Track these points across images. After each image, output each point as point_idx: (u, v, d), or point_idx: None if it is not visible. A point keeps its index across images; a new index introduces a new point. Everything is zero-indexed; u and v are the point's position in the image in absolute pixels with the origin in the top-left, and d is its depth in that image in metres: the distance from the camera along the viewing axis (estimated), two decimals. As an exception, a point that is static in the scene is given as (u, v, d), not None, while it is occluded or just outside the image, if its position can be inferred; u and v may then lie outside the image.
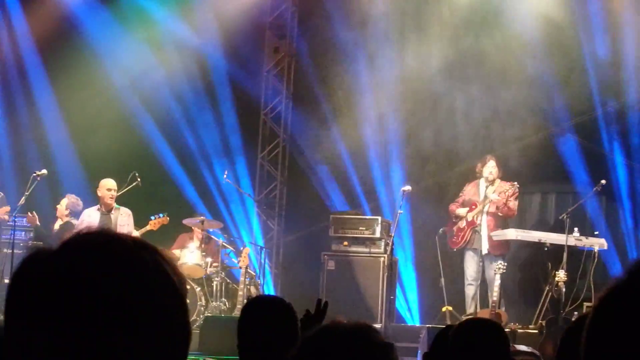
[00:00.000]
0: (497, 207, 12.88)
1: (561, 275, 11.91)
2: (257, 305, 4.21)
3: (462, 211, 13.11)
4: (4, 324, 1.51)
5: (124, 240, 1.55)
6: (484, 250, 12.85)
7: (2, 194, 13.46)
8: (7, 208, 13.04)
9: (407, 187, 12.71)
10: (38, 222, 13.62)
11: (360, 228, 13.63)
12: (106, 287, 1.46)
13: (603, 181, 12.58)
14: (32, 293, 1.48)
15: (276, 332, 3.92)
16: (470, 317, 12.15)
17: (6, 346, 1.50)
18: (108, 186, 12.76)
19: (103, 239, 1.54)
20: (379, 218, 13.70)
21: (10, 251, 12.27)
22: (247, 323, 4.00)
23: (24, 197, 12.82)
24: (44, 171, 12.74)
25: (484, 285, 12.99)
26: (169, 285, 1.54)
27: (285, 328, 3.95)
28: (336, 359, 2.34)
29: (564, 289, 11.82)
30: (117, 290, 1.46)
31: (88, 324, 1.44)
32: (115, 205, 12.80)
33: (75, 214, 13.18)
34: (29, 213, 13.57)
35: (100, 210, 12.80)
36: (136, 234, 12.49)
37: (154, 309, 1.49)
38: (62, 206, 13.13)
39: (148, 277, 1.51)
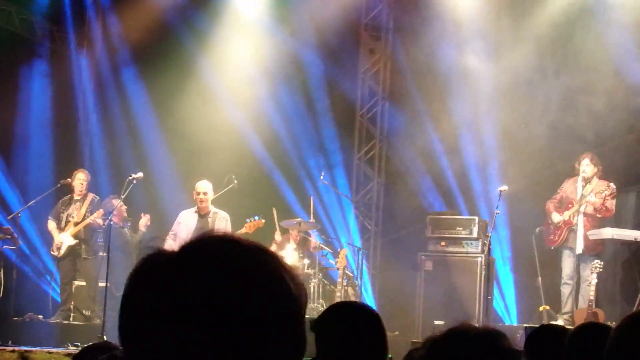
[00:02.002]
0: (595, 209, 12.73)
1: (657, 273, 11.78)
2: (337, 311, 4.02)
3: (556, 217, 12.97)
4: (120, 324, 1.54)
5: (246, 245, 1.56)
6: (579, 250, 12.72)
7: (97, 198, 13.70)
8: (102, 212, 13.24)
9: (504, 187, 12.63)
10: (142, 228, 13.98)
11: (457, 228, 13.61)
12: (224, 293, 1.47)
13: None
14: (151, 296, 1.50)
15: (357, 341, 3.74)
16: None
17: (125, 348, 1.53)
18: (197, 190, 12.78)
19: (224, 244, 1.56)
20: (476, 218, 13.67)
21: (106, 254, 12.50)
22: (323, 328, 3.82)
23: (120, 200, 13.08)
24: (140, 174, 12.76)
25: (579, 284, 12.85)
26: (286, 292, 1.54)
27: (369, 339, 3.77)
28: None
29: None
30: (235, 296, 1.48)
31: (205, 330, 1.45)
32: (212, 209, 12.85)
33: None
34: (142, 215, 13.94)
35: (197, 213, 12.86)
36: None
37: (270, 315, 1.50)
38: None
39: (266, 283, 1.52)
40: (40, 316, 13.59)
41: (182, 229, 12.69)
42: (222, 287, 1.48)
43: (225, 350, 1.46)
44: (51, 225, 13.48)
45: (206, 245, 1.56)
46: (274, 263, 1.55)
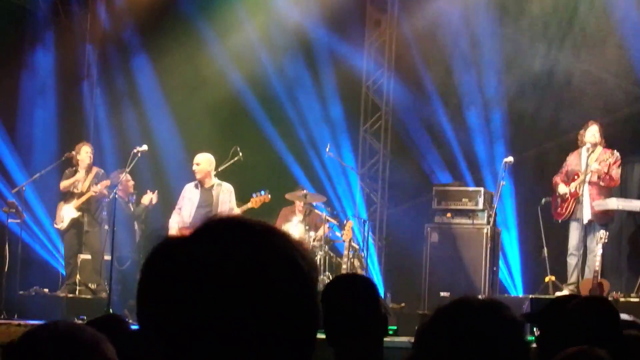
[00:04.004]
0: (599, 177, 12.70)
1: (663, 243, 11.80)
2: (337, 284, 4.15)
3: (562, 188, 12.95)
4: (137, 310, 1.56)
5: (255, 226, 1.57)
6: (586, 220, 12.70)
7: (102, 171, 13.69)
8: (107, 182, 13.20)
9: (510, 159, 12.61)
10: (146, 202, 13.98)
11: (463, 200, 13.62)
12: (237, 273, 1.48)
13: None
14: (165, 279, 1.52)
15: (356, 309, 3.83)
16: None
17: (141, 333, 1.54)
18: (194, 161, 12.75)
19: (234, 225, 1.57)
20: (482, 189, 13.66)
21: (110, 227, 12.51)
22: (328, 300, 3.92)
23: (124, 173, 13.07)
24: (145, 147, 12.77)
25: (586, 255, 12.85)
26: (297, 271, 1.54)
27: (366, 305, 3.85)
28: (468, 333, 2.35)
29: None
30: (248, 277, 1.49)
31: (217, 310, 1.47)
32: (216, 181, 12.80)
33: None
34: (149, 192, 13.94)
35: (197, 186, 12.78)
36: (237, 211, 12.63)
37: (284, 295, 1.51)
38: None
39: (277, 264, 1.53)
40: (46, 290, 13.64)
41: (186, 203, 12.69)
42: (234, 270, 1.49)
43: (242, 330, 1.48)
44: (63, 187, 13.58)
45: (216, 228, 1.57)
46: (283, 243, 1.56)
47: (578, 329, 4.44)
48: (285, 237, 1.58)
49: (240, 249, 1.52)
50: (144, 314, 1.55)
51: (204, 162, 12.72)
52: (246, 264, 1.50)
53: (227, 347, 1.48)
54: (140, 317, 1.56)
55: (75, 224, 13.36)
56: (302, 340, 1.55)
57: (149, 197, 13.97)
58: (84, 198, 13.33)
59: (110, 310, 11.30)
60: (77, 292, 13.33)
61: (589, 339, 3.95)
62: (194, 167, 12.68)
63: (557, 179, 13.09)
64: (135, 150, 12.61)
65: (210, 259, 1.50)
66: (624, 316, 10.81)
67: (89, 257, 13.54)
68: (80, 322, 11.11)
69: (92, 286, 13.38)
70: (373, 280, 4.11)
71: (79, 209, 13.35)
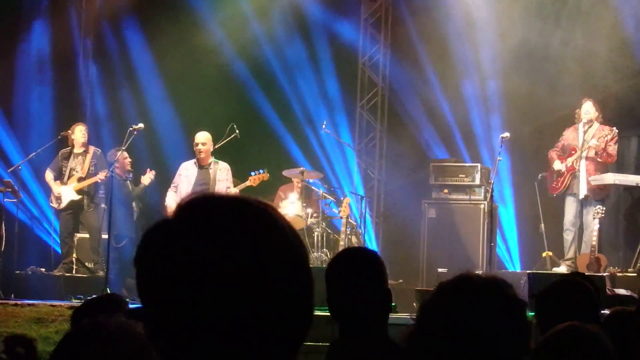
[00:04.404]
0: (597, 153, 12.71)
1: (659, 218, 11.85)
2: (342, 258, 4.04)
3: (557, 165, 12.96)
4: (137, 287, 1.55)
5: (252, 204, 1.56)
6: (582, 195, 12.72)
7: (99, 150, 13.61)
8: (106, 172, 13.07)
9: (506, 134, 12.58)
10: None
11: (460, 175, 13.63)
12: (235, 253, 1.48)
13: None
14: (160, 259, 1.51)
15: (361, 283, 3.76)
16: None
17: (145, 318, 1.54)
18: (196, 140, 12.72)
19: (226, 202, 1.56)
20: (479, 165, 13.67)
21: (107, 206, 12.52)
22: (333, 274, 3.86)
23: (121, 151, 13.05)
24: (141, 125, 12.70)
25: (582, 230, 12.87)
26: (291, 245, 1.55)
27: (371, 279, 3.79)
28: (470, 310, 2.36)
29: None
30: (246, 256, 1.48)
31: (216, 290, 1.46)
32: (213, 159, 12.80)
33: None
34: (147, 170, 13.91)
35: (197, 164, 12.81)
36: (235, 190, 12.63)
37: (279, 268, 1.51)
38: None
39: (271, 236, 1.53)
40: (43, 269, 13.62)
41: (183, 181, 12.70)
42: (229, 244, 1.49)
43: (239, 305, 1.47)
44: (49, 176, 13.40)
45: (209, 204, 1.56)
46: (274, 218, 1.56)
47: (557, 309, 4.47)
48: (277, 213, 1.57)
49: (236, 223, 1.51)
50: (142, 293, 1.55)
51: (209, 141, 12.77)
52: (242, 237, 1.49)
53: (224, 335, 1.48)
54: (141, 296, 1.55)
55: (73, 205, 13.32)
56: (300, 322, 1.55)
57: (149, 177, 13.94)
58: (85, 183, 13.25)
59: (108, 289, 11.31)
60: (73, 271, 13.31)
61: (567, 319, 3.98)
62: (200, 147, 12.67)
63: (553, 153, 13.10)
64: (131, 129, 12.57)
65: (203, 235, 1.50)
66: (621, 291, 10.91)
67: (86, 235, 13.51)
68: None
69: (89, 265, 13.36)
70: (379, 255, 4.02)
71: (79, 192, 13.30)
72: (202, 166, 12.76)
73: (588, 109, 12.77)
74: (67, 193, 13.29)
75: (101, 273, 12.72)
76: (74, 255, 13.40)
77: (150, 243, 1.55)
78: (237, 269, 1.47)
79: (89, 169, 13.31)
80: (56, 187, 13.32)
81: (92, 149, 13.50)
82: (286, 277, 1.52)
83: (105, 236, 12.75)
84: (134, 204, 14.05)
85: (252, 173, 12.77)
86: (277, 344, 1.51)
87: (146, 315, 1.53)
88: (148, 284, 1.53)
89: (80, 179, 13.28)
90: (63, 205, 13.29)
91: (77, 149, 13.43)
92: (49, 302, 10.88)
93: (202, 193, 1.60)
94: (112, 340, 2.19)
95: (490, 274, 2.50)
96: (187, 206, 1.56)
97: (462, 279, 2.45)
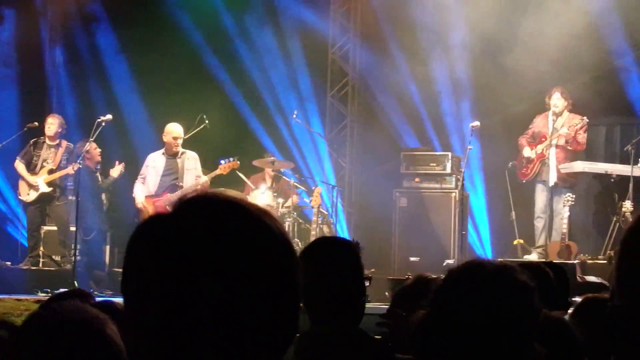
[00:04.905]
0: (567, 141, 12.78)
1: (627, 205, 11.95)
2: (318, 246, 4.00)
3: (527, 151, 13.01)
4: (122, 285, 1.54)
5: (229, 201, 1.56)
6: (552, 183, 12.80)
7: (72, 145, 13.44)
8: (77, 166, 12.93)
9: (476, 123, 12.63)
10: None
11: (431, 164, 13.64)
12: (220, 247, 1.48)
13: (665, 112, 12.50)
14: (150, 258, 1.50)
15: (335, 272, 3.72)
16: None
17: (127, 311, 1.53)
18: (174, 134, 12.69)
19: (229, 202, 1.56)
20: (449, 154, 13.69)
21: (75, 198, 12.44)
22: (306, 263, 3.83)
23: (88, 143, 12.95)
24: (109, 116, 12.69)
25: (553, 218, 12.92)
26: (288, 250, 1.56)
27: (346, 268, 3.75)
28: (480, 295, 2.38)
29: (630, 219, 11.73)
30: (233, 248, 1.48)
31: (212, 286, 1.46)
32: (181, 149, 12.78)
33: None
34: (117, 163, 13.79)
35: (165, 154, 12.80)
36: (205, 178, 12.58)
37: (268, 264, 1.51)
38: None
39: (258, 234, 1.53)
40: (9, 263, 13.48)
41: (151, 172, 12.68)
42: (217, 243, 1.48)
43: (233, 301, 1.47)
44: (20, 166, 13.28)
45: (199, 204, 1.56)
46: (272, 220, 1.57)
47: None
48: (259, 209, 1.58)
49: (223, 223, 1.51)
50: (128, 291, 1.54)
51: (181, 135, 12.75)
52: (230, 236, 1.49)
53: (218, 332, 1.47)
54: (125, 294, 1.55)
55: (43, 197, 13.20)
56: (286, 316, 1.55)
57: (118, 170, 13.84)
58: (56, 175, 13.13)
59: (76, 283, 11.23)
60: (40, 265, 13.20)
61: None
62: (177, 142, 12.66)
63: (523, 140, 13.17)
64: (99, 120, 12.50)
65: (194, 234, 1.49)
66: (591, 278, 10.95)
67: (53, 228, 13.41)
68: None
69: (57, 258, 13.26)
70: (355, 244, 3.94)
71: (49, 184, 13.18)
72: (170, 156, 12.72)
73: (557, 98, 12.85)
74: (39, 185, 13.17)
75: (69, 266, 12.62)
76: (41, 248, 13.29)
77: (146, 237, 1.54)
78: (237, 267, 1.48)
79: (60, 161, 13.20)
80: (31, 177, 13.18)
81: (64, 143, 13.39)
82: (283, 277, 1.53)
83: (73, 228, 12.66)
84: (103, 196, 13.96)
85: (222, 161, 12.69)
86: (268, 345, 1.51)
87: (128, 310, 1.52)
88: (139, 279, 1.51)
89: (51, 171, 13.17)
90: (33, 197, 13.17)
91: (50, 141, 13.32)
92: (15, 296, 10.74)
93: (203, 191, 1.61)
94: (65, 325, 2.16)
95: (502, 261, 2.52)
96: (188, 203, 1.56)
97: (470, 266, 2.48)
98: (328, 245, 3.97)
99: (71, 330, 2.14)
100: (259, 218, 1.55)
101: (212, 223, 1.50)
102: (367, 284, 3.80)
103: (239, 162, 12.78)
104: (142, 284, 1.50)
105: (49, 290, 11.25)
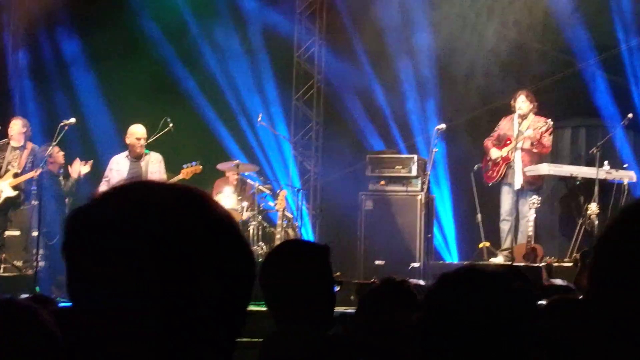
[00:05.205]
0: (532, 144, 12.82)
1: (593, 208, 11.99)
2: (283, 249, 3.94)
3: (494, 153, 13.05)
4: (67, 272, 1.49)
5: (185, 188, 1.53)
6: (517, 186, 12.83)
7: (37, 147, 13.31)
8: (39, 170, 12.80)
9: (442, 126, 12.64)
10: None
11: (397, 167, 13.60)
12: (162, 231, 1.44)
13: (630, 115, 12.57)
14: (84, 244, 1.46)
15: (303, 277, 3.65)
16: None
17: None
18: (137, 135, 12.64)
19: (148, 186, 1.53)
20: (415, 156, 13.66)
21: (38, 202, 12.28)
22: (272, 267, 3.69)
23: (51, 147, 12.82)
24: (72, 120, 12.60)
25: (518, 220, 12.95)
26: (232, 233, 1.52)
27: (314, 272, 3.67)
28: (481, 295, 2.38)
29: (596, 222, 11.87)
30: (183, 237, 1.44)
31: (153, 269, 1.41)
32: (145, 151, 12.73)
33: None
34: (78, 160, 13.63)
35: (129, 157, 12.74)
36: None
37: (221, 257, 1.47)
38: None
39: (214, 224, 1.49)
40: (-31, 270, 13.32)
41: (115, 175, 12.61)
42: (159, 225, 1.43)
43: (176, 289, 1.43)
44: None
45: (140, 187, 1.52)
46: (206, 201, 1.51)
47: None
48: (203, 195, 1.53)
49: (160, 204, 1.46)
50: (68, 279, 1.49)
51: (144, 135, 12.68)
52: (170, 219, 1.45)
53: (161, 324, 1.42)
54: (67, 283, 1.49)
55: (7, 201, 13.04)
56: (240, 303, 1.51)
57: (77, 168, 13.67)
58: (22, 178, 12.99)
59: (37, 288, 11.11)
60: (1, 270, 13.04)
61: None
62: (141, 142, 12.62)
63: (488, 142, 13.21)
64: (62, 124, 12.40)
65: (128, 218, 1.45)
66: (557, 281, 10.97)
67: (15, 233, 13.26)
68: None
69: (18, 263, 13.10)
70: (325, 247, 3.84)
71: (15, 187, 13.02)
72: (134, 159, 12.64)
73: (522, 101, 12.88)
74: (4, 189, 13.03)
75: (30, 271, 12.48)
76: (3, 254, 13.13)
77: (79, 227, 1.48)
78: (172, 250, 1.42)
79: (25, 164, 13.07)
80: None
81: (30, 145, 13.26)
82: (226, 263, 1.48)
83: (35, 233, 12.52)
84: (66, 200, 13.82)
85: (185, 165, 12.65)
86: (216, 338, 1.47)
87: (75, 309, 1.47)
88: (80, 272, 1.46)
89: (15, 175, 13.03)
90: (-1, 202, 13.03)
91: (15, 143, 13.18)
92: (-26, 303, 10.58)
93: (132, 180, 1.56)
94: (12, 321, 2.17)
95: (498, 265, 2.56)
96: (117, 190, 1.51)
97: (466, 270, 2.49)
98: (296, 248, 3.91)
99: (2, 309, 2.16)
100: (196, 200, 1.51)
101: (144, 207, 1.46)
102: (337, 288, 3.72)
103: (201, 167, 12.70)
104: (82, 276, 1.46)
105: (10, 295, 11.09)
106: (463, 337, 2.36)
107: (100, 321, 1.43)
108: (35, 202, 12.98)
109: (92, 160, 13.68)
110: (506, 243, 12.97)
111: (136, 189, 1.52)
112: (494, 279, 2.44)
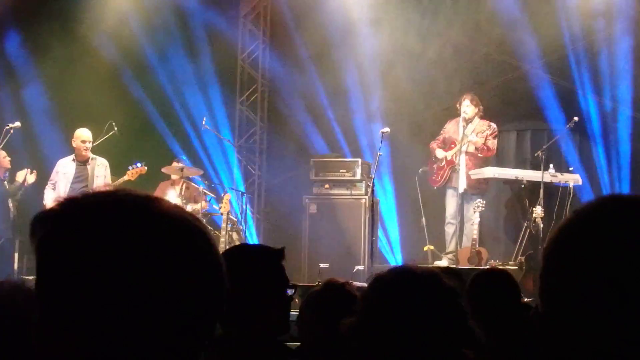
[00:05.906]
0: (477, 148, 12.88)
1: (538, 211, 12.05)
2: (236, 253, 3.77)
3: (440, 153, 13.12)
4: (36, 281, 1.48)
5: (128, 195, 1.51)
6: (462, 189, 12.89)
7: None
8: None
9: (386, 129, 12.65)
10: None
11: (341, 170, 13.63)
12: (118, 240, 1.43)
13: (575, 118, 12.65)
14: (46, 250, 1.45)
15: (257, 281, 3.54)
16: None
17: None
18: (82, 138, 12.61)
19: (106, 195, 1.52)
20: (359, 160, 13.71)
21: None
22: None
23: (-1, 151, 12.75)
24: (18, 123, 12.60)
25: (463, 223, 13.02)
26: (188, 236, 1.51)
27: (265, 275, 3.58)
28: (408, 299, 2.39)
29: (541, 225, 11.94)
30: (131, 242, 1.43)
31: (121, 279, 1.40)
32: (91, 155, 12.67)
33: None
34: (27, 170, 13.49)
35: (75, 161, 12.68)
36: (113, 185, 12.45)
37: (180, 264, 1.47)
38: None
39: (160, 227, 1.47)
40: None
41: (61, 178, 12.57)
42: (113, 236, 1.43)
43: (144, 295, 1.42)
44: None
45: (90, 199, 1.50)
46: (158, 207, 1.50)
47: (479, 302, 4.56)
48: (160, 202, 1.52)
49: (121, 217, 1.46)
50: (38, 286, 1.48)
51: (90, 138, 12.65)
52: (124, 229, 1.44)
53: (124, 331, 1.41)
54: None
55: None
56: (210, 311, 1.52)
57: (23, 175, 13.54)
58: None
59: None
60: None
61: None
62: (86, 145, 12.58)
63: (434, 144, 13.27)
64: (7, 127, 12.34)
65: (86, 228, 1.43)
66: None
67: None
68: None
69: (-38, 267, 12.94)
70: (278, 250, 3.73)
71: None
72: (80, 162, 12.61)
73: (467, 105, 12.95)
74: None
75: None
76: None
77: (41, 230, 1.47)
78: (123, 262, 1.42)
79: None
80: None
81: None
82: (186, 267, 1.48)
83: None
84: (10, 203, 13.65)
85: (130, 167, 12.66)
86: (182, 342, 1.46)
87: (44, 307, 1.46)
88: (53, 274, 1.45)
89: None
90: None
91: None
92: None
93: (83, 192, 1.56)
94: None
95: (429, 266, 2.57)
96: (71, 201, 1.49)
97: (397, 271, 2.52)
98: (248, 252, 3.82)
99: None
100: (146, 207, 1.50)
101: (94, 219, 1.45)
102: (291, 292, 3.65)
103: (146, 168, 12.73)
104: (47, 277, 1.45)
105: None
106: (396, 336, 2.37)
107: (64, 318, 1.42)
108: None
109: (36, 171, 13.57)
110: (451, 246, 13.03)
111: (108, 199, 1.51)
112: (424, 278, 2.44)
